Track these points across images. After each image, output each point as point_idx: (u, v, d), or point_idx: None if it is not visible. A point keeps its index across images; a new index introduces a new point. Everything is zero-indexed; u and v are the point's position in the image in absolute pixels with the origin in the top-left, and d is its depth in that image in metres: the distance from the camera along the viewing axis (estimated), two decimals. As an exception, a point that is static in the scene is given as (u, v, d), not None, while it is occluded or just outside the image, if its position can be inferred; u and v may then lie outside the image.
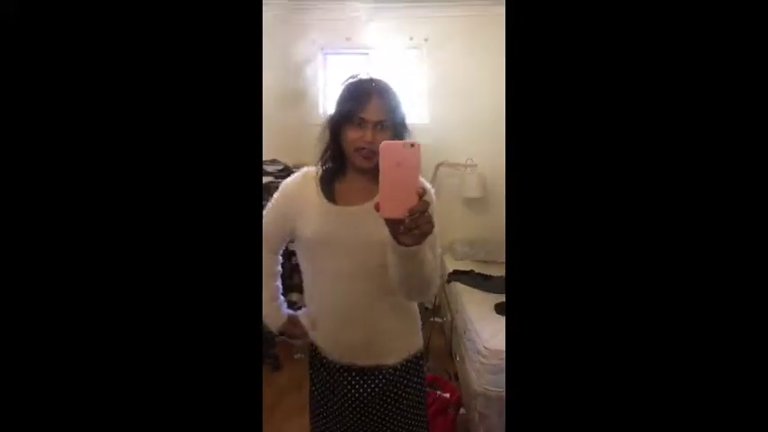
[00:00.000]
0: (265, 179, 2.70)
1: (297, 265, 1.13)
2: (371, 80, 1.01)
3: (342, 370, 1.10)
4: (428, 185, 1.00)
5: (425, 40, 3.42)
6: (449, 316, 2.80)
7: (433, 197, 1.00)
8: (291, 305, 1.20)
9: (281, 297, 1.17)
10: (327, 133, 1.04)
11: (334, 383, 1.11)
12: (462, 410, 2.04)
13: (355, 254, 1.01)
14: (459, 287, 2.64)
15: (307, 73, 3.45)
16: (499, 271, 2.82)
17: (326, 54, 3.57)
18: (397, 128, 1.00)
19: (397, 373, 1.09)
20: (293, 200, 1.08)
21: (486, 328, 1.99)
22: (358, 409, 1.09)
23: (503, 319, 2.04)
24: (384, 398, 1.09)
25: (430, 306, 3.09)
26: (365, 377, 1.09)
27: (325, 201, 1.03)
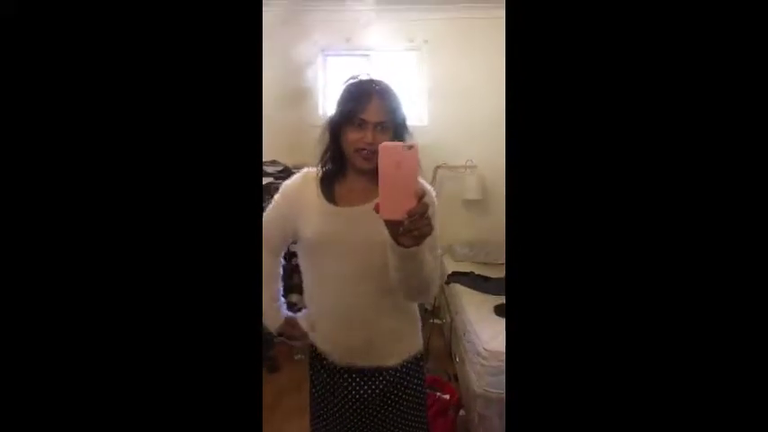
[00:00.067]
0: (265, 180, 2.70)
1: (297, 266, 1.13)
2: (372, 81, 1.01)
3: (342, 371, 1.09)
4: (429, 187, 1.00)
5: (425, 41, 3.42)
6: (448, 317, 2.79)
7: (434, 198, 1.00)
8: (291, 306, 1.20)
9: (282, 299, 1.17)
10: (328, 134, 1.04)
11: (335, 385, 1.10)
12: (462, 412, 2.03)
13: (355, 255, 1.01)
14: (459, 288, 2.64)
15: (307, 74, 3.45)
16: (499, 272, 2.82)
17: (327, 55, 3.57)
18: (397, 129, 1.00)
19: (398, 374, 1.09)
20: (293, 201, 1.07)
21: (485, 330, 1.98)
22: (358, 410, 1.09)
23: (502, 321, 2.04)
24: (385, 399, 1.09)
25: (429, 307, 3.08)
26: (365, 378, 1.08)
27: (325, 202, 1.03)
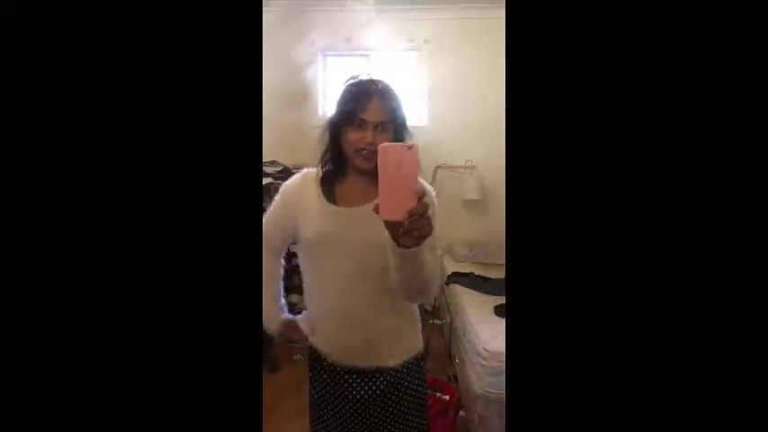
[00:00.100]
0: (265, 180, 2.70)
1: (297, 267, 1.13)
2: (372, 81, 1.00)
3: (342, 372, 1.09)
4: (429, 187, 1.00)
5: (425, 41, 3.43)
6: (448, 318, 2.79)
7: (434, 199, 1.00)
8: (291, 307, 1.20)
9: (283, 300, 1.17)
10: (328, 134, 1.04)
11: (335, 386, 1.10)
12: (462, 413, 2.03)
13: (356, 255, 1.00)
14: (459, 289, 2.64)
15: (307, 74, 3.45)
16: (498, 273, 2.82)
17: (326, 55, 3.57)
18: (397, 129, 0.99)
19: (399, 374, 1.09)
20: (293, 201, 1.07)
21: (485, 330, 1.98)
22: (359, 411, 1.09)
23: (502, 321, 2.04)
24: (385, 400, 1.09)
25: (429, 308, 3.08)
26: (366, 379, 1.08)
27: (325, 202, 1.03)
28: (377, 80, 1.01)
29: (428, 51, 3.44)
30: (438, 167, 3.33)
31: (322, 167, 1.06)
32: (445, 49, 3.41)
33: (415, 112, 3.42)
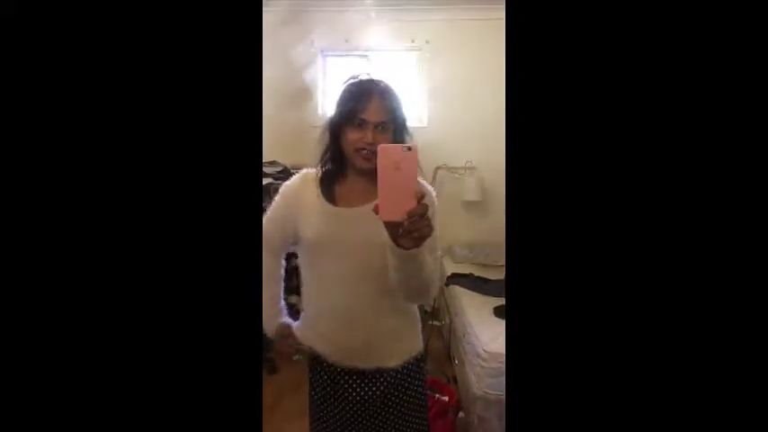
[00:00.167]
0: (264, 180, 2.70)
1: (296, 267, 1.12)
2: (372, 81, 1.00)
3: (342, 373, 1.09)
4: (429, 188, 1.00)
5: (426, 42, 3.43)
6: (447, 319, 2.79)
7: (434, 199, 1.00)
8: (291, 307, 1.20)
9: (282, 302, 1.16)
10: (327, 134, 1.04)
11: (335, 387, 1.10)
12: (461, 414, 2.03)
13: (355, 255, 1.00)
14: (459, 290, 2.64)
15: (306, 74, 3.45)
16: (498, 274, 2.81)
17: (326, 56, 3.57)
18: (397, 129, 0.99)
19: (399, 375, 1.09)
20: (293, 202, 1.07)
21: (485, 332, 1.98)
22: (359, 412, 1.09)
23: (502, 323, 2.04)
24: (385, 401, 1.08)
25: (429, 309, 3.08)
26: (366, 380, 1.08)
27: (325, 202, 1.03)
28: (377, 80, 1.01)
29: (428, 51, 3.44)
30: (438, 168, 3.33)
31: (322, 167, 1.06)
32: (445, 49, 3.40)
33: (415, 112, 3.42)
